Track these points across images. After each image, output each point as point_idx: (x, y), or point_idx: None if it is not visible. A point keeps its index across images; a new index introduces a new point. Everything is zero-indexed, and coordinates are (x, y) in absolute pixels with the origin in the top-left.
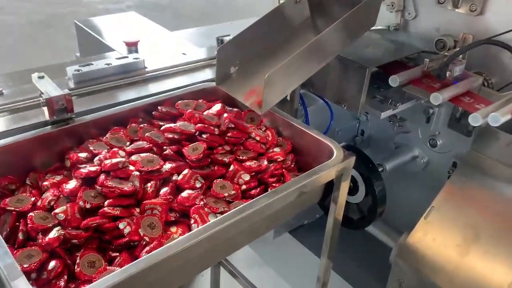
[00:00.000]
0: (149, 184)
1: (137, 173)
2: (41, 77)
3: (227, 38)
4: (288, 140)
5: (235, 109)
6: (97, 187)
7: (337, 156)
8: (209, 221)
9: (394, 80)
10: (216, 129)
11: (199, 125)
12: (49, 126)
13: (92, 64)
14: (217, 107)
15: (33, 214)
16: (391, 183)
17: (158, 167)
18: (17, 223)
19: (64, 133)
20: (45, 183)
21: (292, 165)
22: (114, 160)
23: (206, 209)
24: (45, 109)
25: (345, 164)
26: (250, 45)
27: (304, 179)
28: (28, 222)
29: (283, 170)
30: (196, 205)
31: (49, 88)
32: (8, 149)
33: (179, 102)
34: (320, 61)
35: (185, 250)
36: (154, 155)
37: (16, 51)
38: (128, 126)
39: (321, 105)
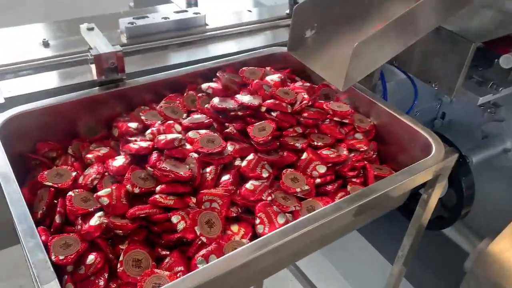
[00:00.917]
0: (208, 169)
1: (195, 154)
2: (90, 29)
3: None
4: (370, 124)
5: (307, 84)
6: (148, 168)
7: (436, 152)
8: (278, 223)
9: (507, 60)
10: (289, 107)
11: (269, 101)
12: (97, 88)
13: (147, 17)
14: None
15: (72, 194)
16: (476, 179)
17: (219, 149)
18: (55, 201)
19: (113, 96)
20: (89, 155)
21: (374, 156)
22: (170, 136)
23: (274, 207)
24: (93, 66)
25: (445, 163)
26: (331, 6)
27: (395, 180)
28: (67, 203)
29: (365, 162)
30: (263, 201)
31: (99, 43)
32: (50, 111)
33: (243, 69)
34: (417, 33)
35: (250, 261)
36: (215, 134)
37: None
38: (185, 94)
39: (401, 81)
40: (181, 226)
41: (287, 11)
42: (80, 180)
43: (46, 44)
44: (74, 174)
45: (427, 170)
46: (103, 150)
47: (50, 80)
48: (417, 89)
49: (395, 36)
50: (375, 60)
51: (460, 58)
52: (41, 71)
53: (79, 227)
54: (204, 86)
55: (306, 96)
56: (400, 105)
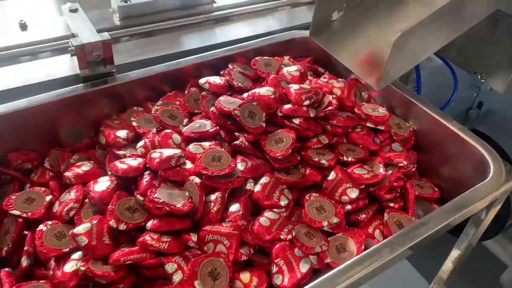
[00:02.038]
0: (212, 197)
1: (197, 179)
2: (73, 10)
3: None
4: (409, 129)
5: (340, 80)
6: (138, 196)
7: (496, 174)
8: (300, 271)
9: None
10: (313, 111)
11: (287, 106)
12: (81, 85)
13: None
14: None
15: (44, 228)
16: None
17: (227, 170)
18: (25, 232)
19: (100, 94)
20: (68, 173)
21: (414, 169)
22: (166, 154)
23: (296, 250)
24: (75, 59)
25: (506, 187)
26: None
27: (447, 214)
28: (36, 241)
29: (405, 181)
30: (281, 242)
31: (82, 30)
32: (24, 114)
33: (256, 59)
34: (469, 21)
35: None
36: (221, 149)
37: None
38: (186, 91)
39: (437, 68)
40: (177, 278)
41: None
42: (56, 207)
43: (23, 26)
44: (48, 198)
45: (485, 198)
46: (85, 167)
47: (25, 74)
48: (457, 80)
49: (443, 25)
50: (419, 54)
51: None
52: (14, 61)
53: (51, 272)
54: (202, 80)
55: (334, 100)
56: (435, 95)
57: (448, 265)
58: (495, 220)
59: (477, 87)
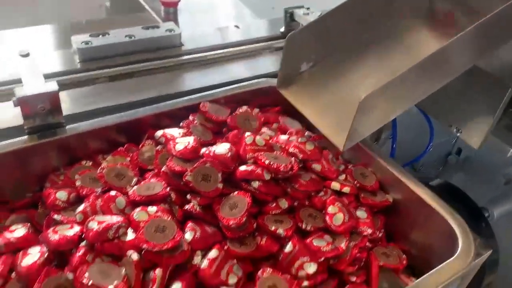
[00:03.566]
0: (152, 274)
1: (135, 255)
2: (25, 55)
3: (299, 13)
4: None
5: (312, 134)
6: (68, 273)
7: (464, 250)
8: None
9: None
10: (268, 175)
11: (242, 168)
12: (25, 137)
13: (108, 34)
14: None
15: None
16: (497, 238)
17: (171, 244)
18: None
19: (46, 146)
20: None
21: (380, 235)
22: (105, 223)
23: None
24: (18, 109)
25: (476, 264)
26: (334, 34)
27: None
28: None
29: (370, 250)
30: None
31: (28, 79)
32: None
33: (214, 110)
34: (443, 77)
35: None
36: (166, 219)
37: None
38: (141, 145)
39: (414, 115)
40: None
41: (282, 30)
42: None
43: None
44: None
45: (453, 277)
46: (19, 232)
47: None
48: (433, 129)
49: (415, 83)
50: (388, 113)
51: (493, 103)
52: None
53: None
54: (158, 133)
55: (295, 163)
56: (412, 141)
57: None
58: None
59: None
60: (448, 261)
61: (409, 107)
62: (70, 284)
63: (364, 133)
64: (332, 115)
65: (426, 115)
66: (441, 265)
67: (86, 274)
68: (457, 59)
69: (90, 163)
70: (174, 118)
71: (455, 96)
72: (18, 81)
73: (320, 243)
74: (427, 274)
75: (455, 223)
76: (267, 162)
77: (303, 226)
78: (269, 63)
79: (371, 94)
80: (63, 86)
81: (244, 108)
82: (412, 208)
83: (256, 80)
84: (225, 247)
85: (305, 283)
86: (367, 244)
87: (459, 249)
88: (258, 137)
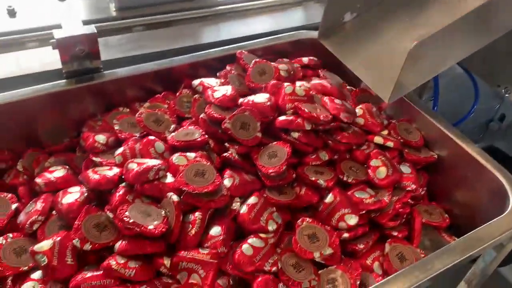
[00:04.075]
0: (191, 217)
1: (175, 197)
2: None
3: None
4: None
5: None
6: (108, 213)
7: None
8: None
9: None
10: (309, 125)
11: (282, 118)
12: (63, 81)
13: None
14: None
15: (3, 242)
16: None
17: (210, 188)
18: None
19: (84, 91)
20: (38, 180)
21: (423, 192)
22: (144, 165)
23: (280, 286)
24: (57, 52)
25: None
26: None
27: (456, 254)
28: None
29: (413, 207)
30: (265, 275)
31: (67, 21)
32: (3, 110)
33: (249, 69)
34: (494, 32)
35: None
36: (206, 164)
37: None
38: (178, 93)
39: (457, 76)
40: None
41: None
42: (21, 217)
43: (11, 13)
44: (14, 206)
45: (502, 236)
46: (58, 173)
47: (3, 65)
48: (479, 90)
49: (468, 34)
50: (437, 65)
51: None
52: None
53: None
54: (195, 82)
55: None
56: (454, 105)
57: None
58: None
59: (500, 98)
60: (499, 217)
61: (457, 61)
62: (110, 223)
63: (410, 86)
64: (377, 68)
65: (472, 75)
66: (492, 221)
67: (127, 213)
68: (503, 15)
69: (128, 110)
70: (210, 68)
71: (505, 55)
72: (57, 27)
73: (363, 195)
74: (479, 227)
75: (506, 181)
76: (307, 110)
77: (344, 178)
78: (309, 15)
79: (422, 41)
80: (99, 32)
81: (283, 59)
82: (459, 165)
83: (295, 32)
84: (264, 195)
85: (345, 234)
86: (409, 201)
87: (510, 205)
88: (298, 87)
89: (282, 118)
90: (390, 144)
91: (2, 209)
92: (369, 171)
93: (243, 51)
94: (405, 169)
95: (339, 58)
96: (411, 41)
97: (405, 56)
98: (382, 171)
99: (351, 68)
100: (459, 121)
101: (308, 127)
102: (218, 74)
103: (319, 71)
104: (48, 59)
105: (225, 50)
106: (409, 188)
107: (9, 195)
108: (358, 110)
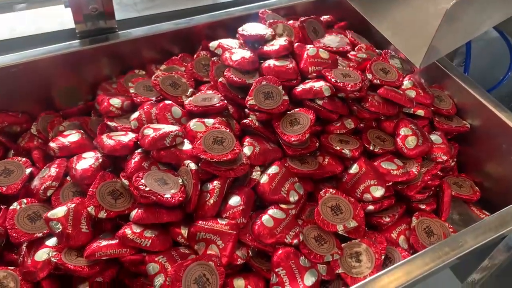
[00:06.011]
0: (210, 186)
1: (192, 165)
2: None
3: None
4: (450, 117)
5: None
6: (123, 180)
7: None
8: (304, 284)
9: None
10: (327, 91)
11: (301, 87)
12: (77, 41)
13: None
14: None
15: (17, 208)
16: None
17: (230, 156)
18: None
19: (98, 52)
20: (52, 144)
21: (453, 163)
22: (160, 131)
23: (301, 259)
24: (69, 11)
25: None
26: None
27: (489, 231)
28: (7, 223)
29: (442, 179)
30: (285, 248)
31: None
32: (13, 71)
33: (275, 20)
34: None
35: None
36: (225, 131)
37: None
38: (195, 55)
39: (491, 40)
40: (158, 282)
41: None
42: (35, 182)
43: None
44: (28, 171)
45: None
46: (73, 137)
47: (15, 24)
48: None
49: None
50: (473, 28)
51: None
52: (5, 9)
53: (21, 259)
54: (213, 44)
55: (369, 80)
56: (486, 72)
57: (484, 267)
58: None
59: None
60: None
61: (494, 25)
62: (126, 190)
63: (444, 51)
64: (408, 30)
65: (508, 40)
66: None
67: (142, 181)
68: None
69: (143, 72)
70: (230, 28)
71: None
72: None
73: (390, 166)
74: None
75: None
76: (333, 80)
77: (371, 148)
78: None
79: (461, 0)
80: None
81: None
82: (493, 135)
83: None
84: (286, 164)
85: (370, 207)
86: (438, 172)
87: None
88: (321, 49)
89: (303, 87)
90: (420, 112)
91: (16, 173)
92: (398, 139)
93: (266, 10)
94: (436, 139)
95: (367, 19)
96: (447, 2)
97: (441, 16)
98: (412, 141)
99: (380, 30)
100: (492, 88)
101: (326, 93)
102: (237, 35)
103: (346, 32)
104: (61, 18)
105: (246, 9)
106: (439, 160)
107: (23, 159)
108: (408, 82)
